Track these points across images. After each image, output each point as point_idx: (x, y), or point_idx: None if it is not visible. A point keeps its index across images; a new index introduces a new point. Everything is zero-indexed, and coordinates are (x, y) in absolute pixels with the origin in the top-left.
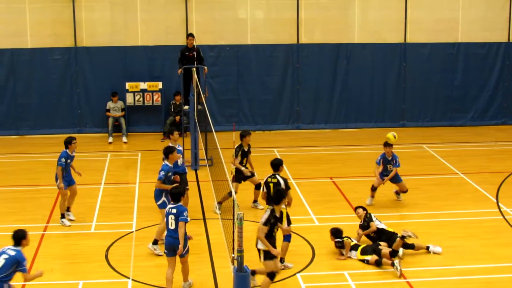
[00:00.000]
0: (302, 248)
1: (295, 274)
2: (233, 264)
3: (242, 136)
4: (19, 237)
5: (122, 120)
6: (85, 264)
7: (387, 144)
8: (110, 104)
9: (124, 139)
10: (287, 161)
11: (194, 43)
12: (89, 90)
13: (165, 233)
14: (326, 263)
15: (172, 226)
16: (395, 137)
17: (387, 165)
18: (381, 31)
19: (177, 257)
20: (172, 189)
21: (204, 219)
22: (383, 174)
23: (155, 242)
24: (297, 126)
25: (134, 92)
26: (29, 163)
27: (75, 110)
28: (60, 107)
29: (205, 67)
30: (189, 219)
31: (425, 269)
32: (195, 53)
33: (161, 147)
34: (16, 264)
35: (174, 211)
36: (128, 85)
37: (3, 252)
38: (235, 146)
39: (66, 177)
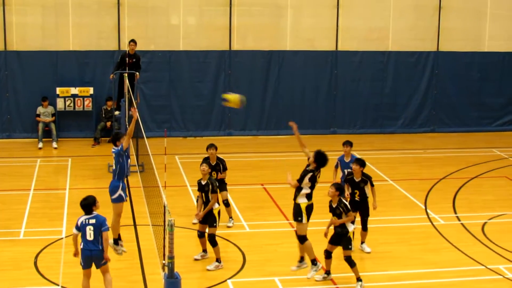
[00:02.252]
0: (233, 255)
1: (225, 281)
2: (163, 271)
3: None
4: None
5: (52, 126)
6: (13, 272)
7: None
8: (40, 109)
9: (54, 144)
10: None
11: (135, 49)
12: (19, 94)
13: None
14: (257, 269)
15: (90, 237)
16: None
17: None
18: (313, 39)
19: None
20: (82, 202)
21: (135, 225)
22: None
23: (116, 242)
24: (229, 132)
25: (64, 97)
26: None
27: (4, 115)
28: None
29: (137, 73)
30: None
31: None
32: (135, 60)
33: (91, 153)
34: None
35: (92, 221)
36: (58, 90)
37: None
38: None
39: None
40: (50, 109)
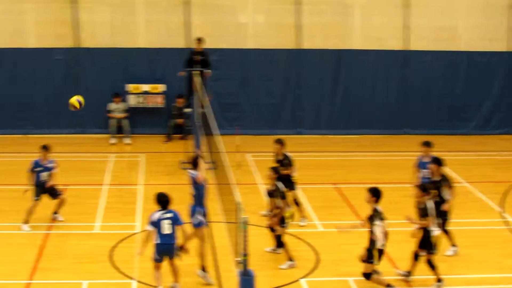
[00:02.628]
0: (306, 254)
1: (298, 280)
2: (237, 268)
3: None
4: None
5: (125, 122)
6: (89, 264)
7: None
8: (111, 106)
9: (127, 140)
10: None
11: (203, 47)
12: (91, 90)
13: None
14: (330, 269)
15: (168, 231)
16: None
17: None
18: (383, 38)
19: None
20: (159, 197)
21: (208, 222)
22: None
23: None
24: (299, 131)
25: (136, 94)
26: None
27: (76, 111)
28: (62, 108)
29: (208, 71)
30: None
31: (431, 277)
32: (202, 57)
33: (164, 149)
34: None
35: (168, 215)
36: (129, 87)
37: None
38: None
39: None
40: (123, 105)
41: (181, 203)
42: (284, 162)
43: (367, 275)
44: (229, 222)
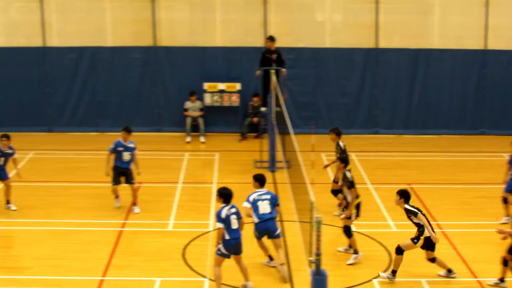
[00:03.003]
0: (379, 254)
1: (371, 280)
2: (310, 267)
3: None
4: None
5: (200, 120)
6: (162, 262)
7: None
8: (188, 104)
9: (202, 139)
10: (364, 165)
11: (275, 45)
12: (168, 89)
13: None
14: (403, 270)
15: (235, 226)
16: None
17: None
18: (461, 37)
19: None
20: (222, 190)
21: (282, 221)
22: None
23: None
24: (375, 131)
25: (212, 93)
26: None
27: (153, 109)
28: (138, 106)
29: (284, 69)
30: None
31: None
32: (276, 55)
33: (238, 148)
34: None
35: (233, 210)
36: (206, 85)
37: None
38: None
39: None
40: (198, 104)
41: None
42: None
43: (432, 259)
44: (303, 221)
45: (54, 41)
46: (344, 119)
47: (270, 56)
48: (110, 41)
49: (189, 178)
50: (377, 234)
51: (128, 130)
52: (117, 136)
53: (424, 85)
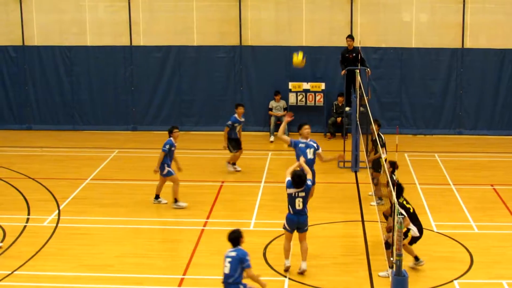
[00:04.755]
0: (460, 255)
1: (452, 281)
2: (391, 268)
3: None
4: (237, 237)
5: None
6: None
7: None
8: (272, 103)
9: None
10: (448, 166)
11: (354, 45)
12: (253, 88)
13: None
14: (484, 271)
15: (299, 207)
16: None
17: None
18: None
19: None
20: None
21: (363, 221)
22: None
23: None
24: (459, 131)
25: (296, 92)
26: (192, 159)
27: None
28: (223, 105)
29: (368, 69)
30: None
31: None
32: (355, 54)
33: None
34: (240, 262)
35: (232, 254)
36: (291, 85)
37: (226, 257)
38: None
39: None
40: (282, 103)
41: (339, 202)
42: (376, 142)
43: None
44: (384, 221)
45: (141, 40)
46: (429, 120)
47: (349, 56)
48: (196, 40)
49: (271, 177)
50: (459, 235)
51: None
52: (201, 135)
53: (510, 86)
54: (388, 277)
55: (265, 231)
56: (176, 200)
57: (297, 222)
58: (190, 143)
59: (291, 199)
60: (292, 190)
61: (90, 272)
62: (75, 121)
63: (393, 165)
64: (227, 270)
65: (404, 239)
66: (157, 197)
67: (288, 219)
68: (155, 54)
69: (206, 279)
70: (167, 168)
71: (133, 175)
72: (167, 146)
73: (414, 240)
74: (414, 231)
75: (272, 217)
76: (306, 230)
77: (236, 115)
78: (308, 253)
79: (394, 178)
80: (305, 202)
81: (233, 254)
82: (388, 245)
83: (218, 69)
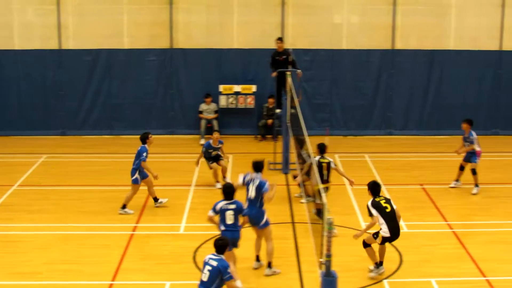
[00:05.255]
0: (390, 255)
1: (381, 281)
2: (320, 269)
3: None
4: (223, 246)
5: (215, 122)
6: (173, 265)
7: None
8: (203, 106)
9: None
10: (378, 166)
11: (285, 47)
12: (183, 91)
13: None
14: (414, 270)
15: (230, 221)
16: None
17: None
18: (477, 38)
19: None
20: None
21: (293, 223)
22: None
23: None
24: (389, 132)
25: (227, 95)
26: (122, 163)
27: (168, 112)
28: (153, 108)
29: (299, 71)
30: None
31: None
32: (285, 56)
33: (253, 150)
34: (220, 273)
35: (232, 206)
36: (222, 87)
37: (206, 264)
38: None
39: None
40: (213, 106)
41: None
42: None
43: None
44: (314, 223)
45: (70, 44)
46: (359, 120)
47: (279, 58)
48: (126, 44)
49: (202, 181)
50: None
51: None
52: (132, 139)
53: (439, 86)
54: (377, 275)
55: (195, 234)
56: (124, 206)
57: (231, 238)
58: (120, 147)
59: (222, 213)
60: (221, 203)
61: (19, 280)
62: (2, 126)
63: (321, 148)
64: (205, 278)
65: (375, 238)
66: (155, 199)
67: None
68: (85, 57)
69: (136, 284)
70: (136, 175)
71: (61, 181)
72: (145, 154)
73: (385, 240)
74: (384, 231)
75: (202, 220)
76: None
77: (211, 141)
78: (239, 257)
79: (326, 161)
80: (236, 217)
81: (214, 264)
82: (366, 244)
83: (148, 72)
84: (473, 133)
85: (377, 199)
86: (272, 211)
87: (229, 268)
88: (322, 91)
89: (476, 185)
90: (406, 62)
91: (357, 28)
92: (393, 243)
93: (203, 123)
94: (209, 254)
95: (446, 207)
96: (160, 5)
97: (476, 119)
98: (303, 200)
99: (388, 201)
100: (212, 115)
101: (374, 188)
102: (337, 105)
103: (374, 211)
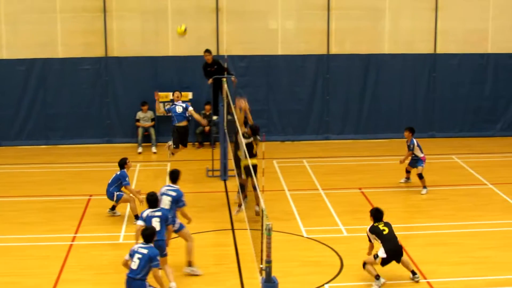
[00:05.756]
0: (331, 259)
1: (323, 285)
2: (261, 275)
3: None
4: (151, 234)
5: (152, 130)
6: (113, 275)
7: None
8: (139, 114)
9: (154, 149)
10: (316, 171)
11: (220, 53)
12: (119, 100)
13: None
14: (355, 273)
15: (134, 266)
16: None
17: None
18: (412, 42)
19: None
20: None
21: (233, 229)
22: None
23: (190, 264)
24: (327, 136)
25: (164, 102)
26: (59, 173)
27: (104, 120)
28: (90, 117)
29: (233, 77)
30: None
31: (454, 280)
32: (216, 66)
33: (190, 157)
34: (150, 261)
35: (157, 213)
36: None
37: (136, 252)
38: None
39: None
40: (150, 114)
41: (209, 211)
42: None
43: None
44: (254, 229)
45: (3, 53)
46: (296, 126)
47: (210, 69)
48: (60, 52)
49: (141, 189)
50: (329, 239)
51: None
52: (69, 149)
53: (375, 90)
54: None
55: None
56: (136, 216)
57: (156, 246)
58: (56, 157)
59: (148, 221)
60: (147, 212)
61: None
62: None
63: (254, 129)
64: (134, 266)
65: (375, 259)
66: (136, 217)
67: None
68: (19, 67)
69: None
70: (115, 193)
71: None
72: (128, 179)
73: (384, 261)
74: (381, 252)
75: None
76: (165, 255)
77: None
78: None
79: (258, 140)
80: (162, 224)
81: (144, 251)
82: (364, 264)
83: (83, 81)
84: (415, 140)
85: (375, 224)
86: (212, 218)
87: (158, 256)
88: (259, 97)
89: (424, 187)
90: (341, 67)
91: (292, 33)
92: (335, 247)
93: (140, 131)
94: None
95: (386, 211)
96: (93, 13)
97: (413, 123)
98: (236, 212)
99: (387, 224)
100: (149, 123)
101: (376, 214)
102: (274, 111)
103: (371, 238)
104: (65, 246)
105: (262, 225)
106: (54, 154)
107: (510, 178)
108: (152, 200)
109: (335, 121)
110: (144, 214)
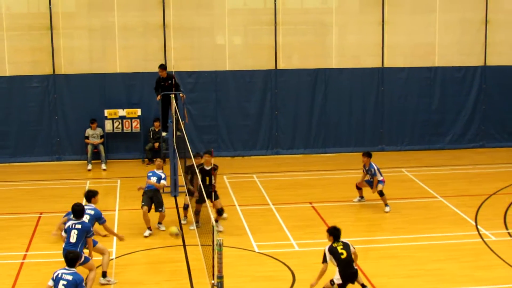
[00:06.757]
0: (283, 274)
1: None
2: None
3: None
4: (75, 259)
5: (101, 147)
6: None
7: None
8: (88, 131)
9: (103, 166)
10: (266, 186)
11: (168, 70)
12: (68, 117)
13: None
14: None
15: (73, 239)
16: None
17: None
18: (359, 56)
19: None
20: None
21: (184, 245)
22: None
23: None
24: (276, 151)
25: (113, 119)
26: (9, 191)
27: (53, 138)
28: (38, 135)
29: (182, 94)
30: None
31: None
32: (170, 81)
33: (140, 174)
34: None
35: (78, 226)
36: (107, 112)
37: (60, 279)
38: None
39: None
40: (99, 131)
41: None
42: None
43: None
44: (205, 244)
45: None
46: (246, 141)
47: (164, 84)
48: (8, 70)
49: None
50: (281, 254)
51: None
52: (18, 167)
53: (324, 105)
54: None
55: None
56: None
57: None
58: (6, 176)
59: (68, 231)
60: (70, 222)
61: None
62: None
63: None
64: None
65: (332, 285)
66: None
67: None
68: None
69: None
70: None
71: None
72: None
73: (341, 286)
74: (337, 278)
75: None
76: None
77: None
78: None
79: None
80: (79, 237)
81: (69, 277)
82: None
83: (32, 99)
84: (374, 164)
85: (334, 245)
86: (163, 234)
87: (83, 282)
88: (207, 112)
89: (386, 205)
90: (290, 82)
91: (240, 49)
92: (286, 262)
93: (89, 148)
94: (58, 269)
95: (336, 225)
96: (40, 30)
97: (361, 136)
98: (192, 227)
99: (345, 246)
100: (98, 140)
101: (334, 233)
102: (223, 126)
103: (328, 257)
104: (16, 264)
105: (213, 241)
106: (4, 173)
107: (459, 191)
108: (77, 211)
109: (284, 136)
110: (67, 224)
